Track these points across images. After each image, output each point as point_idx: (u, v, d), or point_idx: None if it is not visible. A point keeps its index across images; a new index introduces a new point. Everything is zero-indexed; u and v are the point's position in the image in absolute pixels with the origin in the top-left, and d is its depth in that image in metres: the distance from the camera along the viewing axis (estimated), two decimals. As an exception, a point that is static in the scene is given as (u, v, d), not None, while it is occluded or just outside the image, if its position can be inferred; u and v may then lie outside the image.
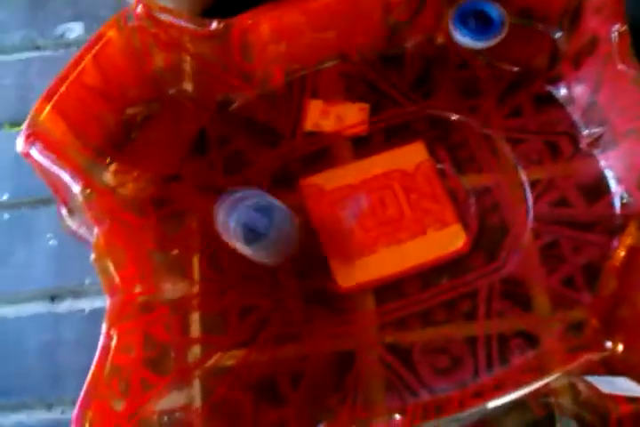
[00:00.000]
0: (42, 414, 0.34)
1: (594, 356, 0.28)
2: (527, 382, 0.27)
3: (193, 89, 0.36)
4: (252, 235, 0.30)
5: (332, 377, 0.32)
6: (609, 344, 0.29)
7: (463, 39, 0.37)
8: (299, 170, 0.37)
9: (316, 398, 0.31)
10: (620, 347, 0.28)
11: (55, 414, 0.34)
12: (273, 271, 0.34)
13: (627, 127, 0.35)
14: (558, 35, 0.37)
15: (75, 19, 0.45)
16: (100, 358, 0.26)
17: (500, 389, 0.28)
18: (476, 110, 0.38)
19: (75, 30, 0.45)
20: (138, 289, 0.29)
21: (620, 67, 0.33)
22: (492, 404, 0.27)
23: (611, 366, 0.29)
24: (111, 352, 0.26)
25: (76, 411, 0.25)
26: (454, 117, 0.38)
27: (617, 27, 0.33)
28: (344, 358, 0.32)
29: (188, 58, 0.35)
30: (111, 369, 0.26)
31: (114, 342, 0.26)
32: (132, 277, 0.29)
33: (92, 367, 0.25)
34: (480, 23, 0.36)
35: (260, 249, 0.31)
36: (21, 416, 0.34)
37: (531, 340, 0.32)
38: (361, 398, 0.31)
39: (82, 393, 0.25)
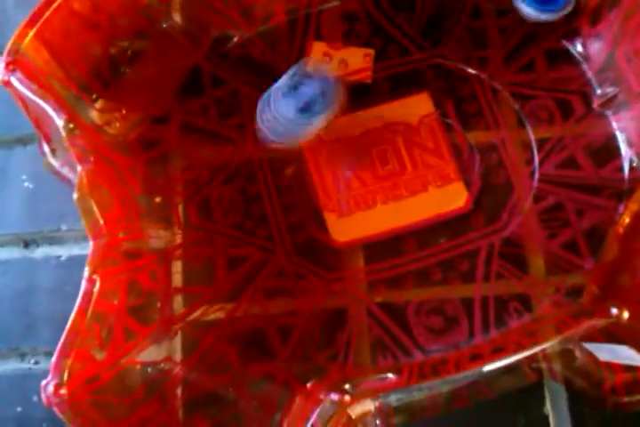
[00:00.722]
0: (14, 364, 0.33)
1: (599, 322, 0.27)
2: (525, 347, 0.26)
3: (185, 22, 0.34)
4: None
5: (323, 334, 0.31)
6: (614, 311, 0.28)
7: (527, 9, 0.35)
8: (297, 116, 0.35)
9: (306, 354, 0.30)
10: (626, 314, 0.27)
11: (28, 364, 0.32)
12: (266, 221, 0.33)
13: (643, 88, 0.33)
14: (578, -16, 0.35)
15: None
16: (81, 303, 0.24)
17: (497, 353, 0.27)
18: (486, 62, 0.36)
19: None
20: (122, 234, 0.27)
21: (643, 23, 0.31)
22: (488, 367, 0.26)
23: (611, 334, 0.28)
24: (94, 298, 0.24)
25: (54, 358, 0.23)
26: (463, 68, 0.36)
27: (643, -21, 0.30)
28: (335, 314, 0.31)
29: (182, -13, 0.32)
30: (93, 316, 0.24)
31: (96, 288, 0.24)
32: (116, 219, 0.27)
33: (73, 314, 0.24)
34: None
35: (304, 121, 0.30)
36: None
37: (528, 303, 0.32)
38: (352, 356, 0.30)
39: (61, 340, 0.24)
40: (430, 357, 0.30)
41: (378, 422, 0.27)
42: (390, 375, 0.26)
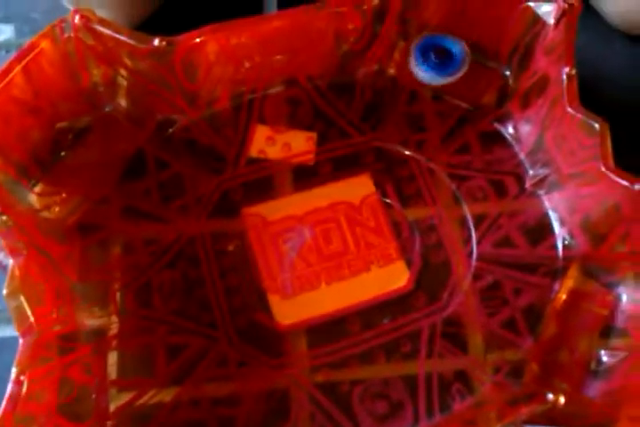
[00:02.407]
0: None
1: (535, 409, 0.28)
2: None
3: (130, 106, 0.34)
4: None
5: (266, 423, 0.30)
6: (550, 397, 0.28)
7: (424, 75, 0.37)
8: (241, 198, 0.35)
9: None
10: (562, 399, 0.28)
11: None
12: (208, 306, 0.32)
13: (572, 170, 0.35)
14: (508, 72, 0.37)
15: (4, 20, 0.42)
16: (6, 407, 0.23)
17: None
18: (423, 145, 0.38)
19: (4, 32, 0.42)
20: (56, 328, 0.26)
21: (568, 110, 0.33)
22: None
23: (551, 418, 0.28)
24: (20, 401, 0.23)
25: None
26: (401, 151, 0.37)
27: (567, 69, 0.33)
28: (279, 402, 0.30)
29: (126, 74, 0.32)
30: (20, 419, 0.23)
31: (24, 390, 0.23)
32: (49, 313, 0.26)
33: None
34: (440, 58, 0.36)
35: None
36: None
37: (470, 385, 0.32)
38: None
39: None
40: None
41: None
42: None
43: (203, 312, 0.32)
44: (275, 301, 0.33)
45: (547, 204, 0.37)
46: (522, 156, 0.38)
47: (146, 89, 0.33)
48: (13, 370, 0.24)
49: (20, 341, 0.25)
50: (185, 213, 0.34)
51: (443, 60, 0.36)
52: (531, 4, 0.34)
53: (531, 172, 0.37)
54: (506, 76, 0.38)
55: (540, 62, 0.35)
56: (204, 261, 0.33)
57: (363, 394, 0.31)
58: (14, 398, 0.23)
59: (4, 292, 0.25)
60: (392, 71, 0.38)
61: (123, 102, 0.34)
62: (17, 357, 0.24)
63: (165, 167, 0.35)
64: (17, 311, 0.25)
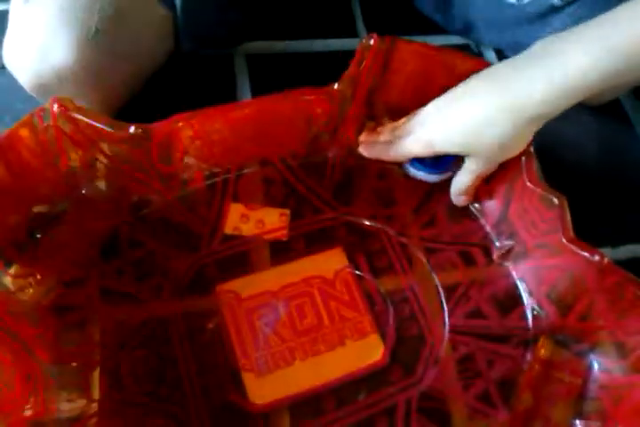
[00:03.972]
0: None
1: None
2: None
3: (107, 188, 0.35)
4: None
5: None
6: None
7: (417, 173, 0.39)
8: (216, 274, 0.35)
9: None
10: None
11: None
12: (179, 387, 0.32)
13: (535, 242, 0.36)
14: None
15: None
16: None
17: None
18: (392, 219, 0.39)
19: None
20: (28, 412, 0.26)
21: (528, 185, 0.35)
22: None
23: None
24: None
25: None
26: (372, 225, 0.38)
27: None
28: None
29: (104, 158, 0.33)
30: None
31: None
32: (20, 398, 0.26)
33: None
34: (435, 158, 0.37)
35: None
36: None
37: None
38: None
39: None
40: None
41: None
42: None
43: (176, 393, 0.31)
44: (249, 379, 0.33)
45: (514, 274, 0.38)
46: (488, 228, 0.39)
47: (123, 172, 0.34)
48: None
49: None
50: (158, 293, 0.34)
51: (437, 160, 0.37)
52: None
53: (497, 243, 0.38)
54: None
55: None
56: (177, 340, 0.33)
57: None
58: None
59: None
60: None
61: (100, 185, 0.35)
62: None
63: (140, 246, 0.35)
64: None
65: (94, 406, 0.29)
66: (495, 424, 0.33)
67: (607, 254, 0.32)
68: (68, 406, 0.29)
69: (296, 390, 0.32)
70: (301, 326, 0.35)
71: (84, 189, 0.34)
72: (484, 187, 0.39)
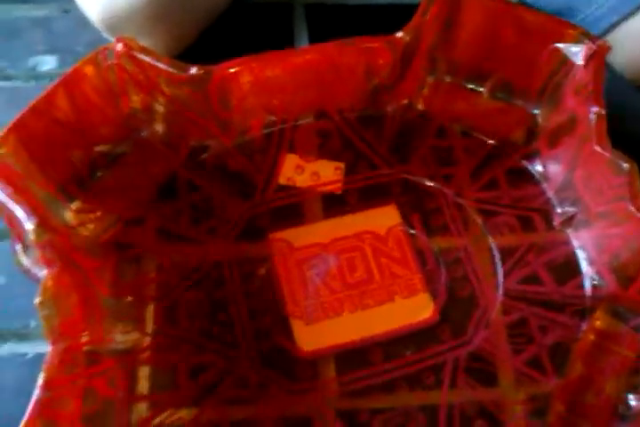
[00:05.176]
0: None
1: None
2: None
3: (165, 132, 0.35)
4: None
5: (284, 449, 0.30)
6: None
7: None
8: (268, 223, 0.35)
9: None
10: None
11: None
12: (232, 327, 0.32)
13: (600, 209, 0.35)
14: (537, 111, 0.38)
15: (49, 52, 0.44)
16: (32, 412, 0.23)
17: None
18: (450, 179, 0.38)
19: (48, 63, 0.44)
20: (84, 338, 0.27)
21: (597, 148, 0.33)
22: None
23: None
24: (45, 407, 0.23)
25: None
26: (429, 184, 0.38)
27: (595, 109, 0.33)
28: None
29: (164, 100, 0.34)
30: (44, 425, 0.23)
31: (50, 396, 0.23)
32: (78, 324, 0.26)
33: (23, 423, 0.23)
34: None
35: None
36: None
37: (494, 422, 0.31)
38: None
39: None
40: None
41: None
42: None
43: (226, 334, 0.32)
44: (297, 326, 0.33)
45: (575, 242, 0.36)
46: (550, 193, 0.38)
47: (182, 115, 0.34)
48: (41, 375, 0.24)
49: (49, 348, 0.25)
50: (213, 236, 0.35)
51: None
52: (560, 45, 0.34)
53: (559, 209, 0.37)
54: (534, 114, 0.38)
55: (569, 102, 0.36)
56: (230, 283, 0.34)
57: (383, 424, 0.30)
58: (40, 403, 0.23)
59: (37, 300, 0.25)
60: (421, 107, 0.39)
61: (159, 128, 0.35)
62: (45, 363, 0.25)
63: (197, 191, 0.36)
64: (47, 320, 0.25)
65: (147, 339, 0.30)
66: (543, 390, 0.32)
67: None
68: (122, 337, 0.30)
69: (343, 340, 0.32)
70: (351, 280, 0.35)
71: (144, 131, 0.35)
72: (549, 150, 0.37)
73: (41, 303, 0.25)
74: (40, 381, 0.24)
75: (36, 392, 0.24)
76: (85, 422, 0.25)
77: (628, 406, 0.31)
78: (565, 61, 0.35)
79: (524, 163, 0.38)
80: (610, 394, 0.33)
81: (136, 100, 0.34)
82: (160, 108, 0.34)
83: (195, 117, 0.34)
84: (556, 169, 0.38)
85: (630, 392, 0.32)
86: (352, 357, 0.32)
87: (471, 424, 0.31)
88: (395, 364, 0.32)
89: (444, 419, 0.31)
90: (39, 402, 0.23)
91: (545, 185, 0.38)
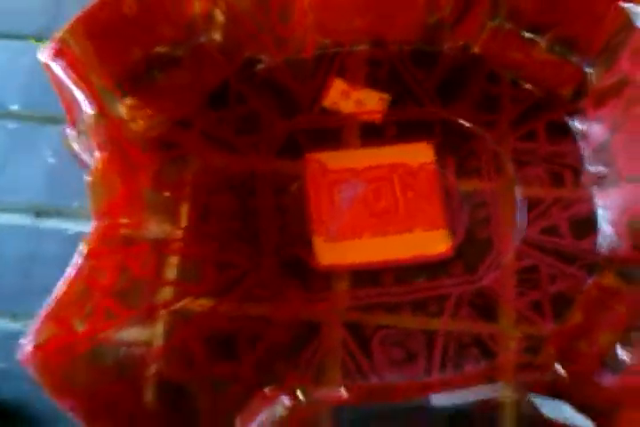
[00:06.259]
0: (4, 324, 0.34)
1: (540, 375, 0.29)
2: (472, 386, 0.28)
3: (222, 41, 0.36)
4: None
5: (290, 346, 0.32)
6: (558, 368, 0.29)
7: None
8: (307, 143, 0.37)
9: (270, 362, 0.31)
10: (564, 373, 0.29)
11: (18, 326, 0.34)
12: (257, 236, 0.34)
13: (631, 173, 0.35)
14: (590, 69, 0.38)
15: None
16: (72, 276, 0.26)
17: (445, 387, 0.29)
18: (491, 125, 0.38)
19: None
20: (124, 220, 0.29)
21: (643, 113, 0.34)
22: (436, 400, 0.27)
23: (556, 391, 0.30)
24: (84, 273, 0.26)
25: (37, 321, 0.25)
26: (469, 127, 0.38)
27: (647, 74, 0.33)
28: (306, 330, 0.33)
29: (225, 9, 0.34)
30: (80, 289, 0.26)
31: (89, 264, 0.26)
32: (120, 207, 0.29)
33: (62, 283, 0.25)
34: None
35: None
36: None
37: (487, 352, 0.33)
38: (313, 370, 0.31)
39: (47, 305, 0.25)
40: (384, 382, 0.31)
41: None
42: (342, 390, 0.28)
43: (253, 239, 0.34)
44: (319, 242, 0.35)
45: (600, 201, 0.37)
46: (586, 152, 0.38)
47: (240, 26, 0.35)
48: (82, 244, 0.27)
49: (93, 222, 0.28)
50: (254, 148, 0.36)
51: None
52: (626, 4, 0.34)
53: (591, 168, 0.38)
54: (586, 72, 0.38)
55: (624, 64, 0.35)
56: (262, 194, 0.35)
57: (383, 339, 0.33)
58: (79, 268, 0.26)
59: (88, 179, 0.28)
60: (476, 50, 0.39)
61: (217, 36, 0.36)
62: (88, 235, 0.27)
63: (244, 102, 0.37)
64: (95, 197, 0.28)
65: (179, 233, 0.33)
66: (540, 332, 0.34)
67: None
68: (157, 228, 0.32)
69: (360, 260, 0.34)
70: (376, 207, 0.36)
71: (203, 37, 0.35)
72: (594, 110, 0.38)
73: (91, 182, 0.27)
74: (80, 248, 0.26)
75: (76, 258, 0.26)
76: (116, 296, 0.28)
77: (616, 359, 0.33)
78: (629, 23, 0.34)
79: (567, 119, 0.39)
80: (602, 346, 0.34)
81: (198, 6, 0.34)
82: (220, 17, 0.35)
83: (252, 29, 0.35)
84: (597, 129, 0.38)
85: (622, 345, 0.34)
86: (365, 276, 0.34)
87: (465, 351, 0.33)
88: (403, 288, 0.34)
89: (441, 343, 0.33)
90: (78, 268, 0.26)
91: (582, 143, 0.38)
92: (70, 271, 0.25)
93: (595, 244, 0.36)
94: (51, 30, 0.30)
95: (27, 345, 0.24)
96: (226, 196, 0.35)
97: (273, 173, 0.36)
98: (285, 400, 0.27)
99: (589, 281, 0.35)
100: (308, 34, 0.37)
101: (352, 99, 0.38)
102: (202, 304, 0.32)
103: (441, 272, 0.35)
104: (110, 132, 0.29)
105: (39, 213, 0.36)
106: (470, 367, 0.32)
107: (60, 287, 0.25)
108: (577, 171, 0.38)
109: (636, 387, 0.32)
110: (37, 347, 0.24)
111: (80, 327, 0.26)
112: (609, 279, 0.36)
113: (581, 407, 0.29)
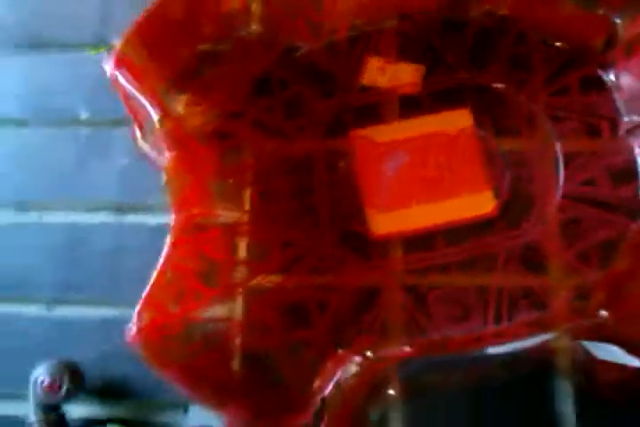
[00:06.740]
0: (104, 310, 0.38)
1: (587, 321, 0.31)
2: (525, 335, 0.30)
3: (261, 32, 0.38)
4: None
5: (356, 310, 0.35)
6: (603, 313, 0.32)
7: None
8: (351, 121, 0.39)
9: (339, 327, 0.35)
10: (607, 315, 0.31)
11: (115, 313, 0.38)
12: (315, 213, 0.37)
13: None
14: (618, 20, 0.38)
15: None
16: (162, 265, 0.29)
17: (500, 337, 0.31)
18: (525, 84, 0.40)
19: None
20: (197, 210, 0.32)
21: (671, 60, 0.34)
22: (492, 350, 0.30)
23: (605, 335, 0.32)
24: (172, 262, 0.29)
25: (138, 306, 0.28)
26: (503, 88, 0.40)
27: (674, 21, 0.34)
28: (368, 296, 0.36)
29: (261, 1, 0.36)
30: (170, 276, 0.29)
31: (175, 253, 0.29)
32: (193, 199, 0.32)
33: (156, 272, 0.29)
34: None
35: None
36: (87, 310, 0.38)
37: (538, 303, 0.35)
38: (377, 331, 0.34)
39: (145, 292, 0.29)
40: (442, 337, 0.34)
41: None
42: (407, 348, 0.31)
43: (311, 216, 0.37)
44: (371, 214, 0.37)
45: (636, 150, 0.38)
46: (620, 102, 0.39)
47: (276, 16, 0.37)
48: (168, 236, 0.30)
49: (173, 217, 0.31)
50: (302, 131, 0.39)
51: None
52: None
53: (626, 118, 0.39)
54: (615, 23, 0.38)
55: (649, 12, 0.36)
56: (316, 173, 0.38)
57: (439, 298, 0.35)
58: (168, 258, 0.29)
59: (164, 178, 0.31)
60: (503, 12, 0.40)
61: (255, 28, 0.38)
62: (171, 228, 0.31)
63: (288, 88, 0.39)
64: (172, 194, 0.31)
65: (245, 216, 0.36)
66: (589, 281, 0.36)
67: None
68: (225, 213, 0.35)
69: (412, 227, 0.37)
70: (422, 175, 0.38)
71: (242, 31, 0.38)
72: (625, 60, 0.38)
73: (167, 181, 0.31)
74: (168, 240, 0.30)
75: (165, 249, 0.30)
76: (199, 278, 0.32)
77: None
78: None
79: (599, 71, 0.39)
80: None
81: (235, 0, 0.36)
82: (257, 9, 0.37)
83: (288, 18, 0.37)
84: (628, 79, 0.39)
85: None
86: (417, 242, 0.37)
87: (517, 304, 0.35)
88: (454, 250, 0.37)
89: (494, 297, 0.35)
90: (167, 257, 0.29)
91: (616, 94, 0.39)
92: (161, 261, 0.29)
93: (634, 191, 0.38)
94: (103, 36, 0.33)
95: (131, 328, 0.28)
96: (282, 178, 0.38)
97: (323, 152, 0.38)
98: (357, 360, 0.30)
99: (632, 227, 0.37)
100: (340, 17, 0.38)
101: (388, 73, 0.40)
102: (272, 280, 0.35)
103: (488, 231, 0.37)
104: (174, 132, 0.32)
105: (120, 210, 0.40)
106: (523, 318, 0.34)
107: (153, 275, 0.29)
108: (613, 121, 0.39)
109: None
110: (140, 329, 0.27)
111: (174, 309, 0.29)
112: (652, 224, 0.37)
113: (630, 350, 0.31)
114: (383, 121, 0.39)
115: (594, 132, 0.39)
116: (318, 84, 0.39)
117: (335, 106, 0.39)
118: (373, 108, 0.39)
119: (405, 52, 0.40)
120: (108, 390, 0.36)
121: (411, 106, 0.39)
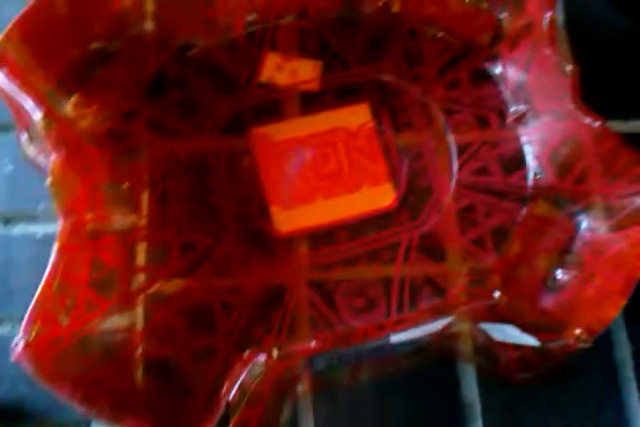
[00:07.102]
0: None
1: (482, 302, 0.33)
2: (425, 320, 0.32)
3: (155, 30, 0.37)
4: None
5: (262, 310, 0.35)
6: (496, 294, 0.33)
7: None
8: (250, 119, 0.39)
9: (245, 328, 0.34)
10: (501, 296, 0.33)
11: (5, 330, 0.36)
12: (216, 213, 0.37)
13: (546, 107, 0.38)
14: (502, 15, 0.40)
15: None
16: (49, 274, 0.28)
17: (401, 324, 0.32)
18: (418, 79, 0.41)
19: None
20: (89, 216, 0.31)
21: (547, 51, 0.36)
22: (395, 338, 0.31)
23: (500, 316, 0.34)
24: (60, 270, 0.28)
25: (25, 320, 0.27)
26: (398, 83, 0.41)
27: (549, 14, 0.36)
28: (274, 294, 0.36)
29: (153, -1, 0.36)
30: (59, 286, 0.28)
31: (63, 261, 0.28)
32: (83, 204, 0.31)
33: (42, 283, 0.28)
34: None
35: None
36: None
37: (438, 289, 0.37)
38: (286, 329, 0.35)
39: (31, 305, 0.27)
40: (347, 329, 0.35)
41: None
42: (312, 343, 0.31)
43: (212, 217, 0.37)
44: (276, 211, 0.37)
45: (524, 138, 0.40)
46: (506, 93, 0.41)
47: (169, 14, 0.36)
48: (55, 244, 0.29)
49: (60, 222, 0.30)
50: (200, 130, 0.38)
51: None
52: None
53: (512, 108, 0.41)
54: (500, 19, 0.40)
55: (530, 7, 0.38)
56: (215, 173, 0.38)
57: (345, 291, 0.36)
58: (55, 267, 0.28)
59: (48, 180, 0.29)
60: (396, 9, 0.41)
61: (149, 26, 0.37)
62: (58, 234, 0.29)
63: (184, 87, 0.39)
64: (57, 198, 0.30)
65: (143, 221, 0.35)
66: (484, 265, 0.38)
67: (618, 127, 0.33)
68: (121, 219, 0.34)
69: (315, 222, 0.37)
70: (324, 171, 0.39)
71: (135, 29, 0.37)
72: (509, 53, 0.40)
73: (51, 183, 0.29)
74: (55, 247, 0.28)
75: (52, 257, 0.28)
76: (94, 288, 0.30)
77: (556, 280, 0.37)
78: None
79: (486, 65, 0.41)
80: (541, 269, 0.38)
81: (127, -3, 0.35)
82: (150, 7, 0.36)
83: (181, 15, 0.37)
84: (513, 71, 0.41)
85: (559, 268, 0.38)
86: (322, 237, 0.37)
87: (419, 290, 0.36)
88: (358, 242, 0.37)
89: (397, 287, 0.36)
90: (54, 267, 0.28)
91: (502, 86, 0.41)
92: (48, 271, 0.28)
93: (523, 178, 0.40)
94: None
95: (18, 345, 0.26)
96: (181, 179, 0.37)
97: (222, 151, 0.38)
98: (261, 359, 0.30)
99: (523, 212, 0.39)
100: (233, 13, 0.38)
101: (286, 70, 0.40)
102: (174, 285, 0.34)
103: (389, 223, 0.38)
104: (61, 133, 0.31)
105: (8, 220, 0.38)
106: (424, 305, 0.36)
107: (40, 287, 0.27)
108: (500, 112, 0.41)
109: (571, 304, 0.36)
110: (27, 345, 0.26)
111: (65, 321, 0.28)
112: (541, 208, 0.39)
113: (525, 328, 0.33)
114: (283, 118, 0.39)
115: (484, 123, 0.41)
116: (215, 82, 0.39)
117: (233, 104, 0.39)
118: (273, 106, 0.40)
119: (304, 49, 0.41)
120: (2, 414, 0.34)
121: (311, 103, 0.40)
